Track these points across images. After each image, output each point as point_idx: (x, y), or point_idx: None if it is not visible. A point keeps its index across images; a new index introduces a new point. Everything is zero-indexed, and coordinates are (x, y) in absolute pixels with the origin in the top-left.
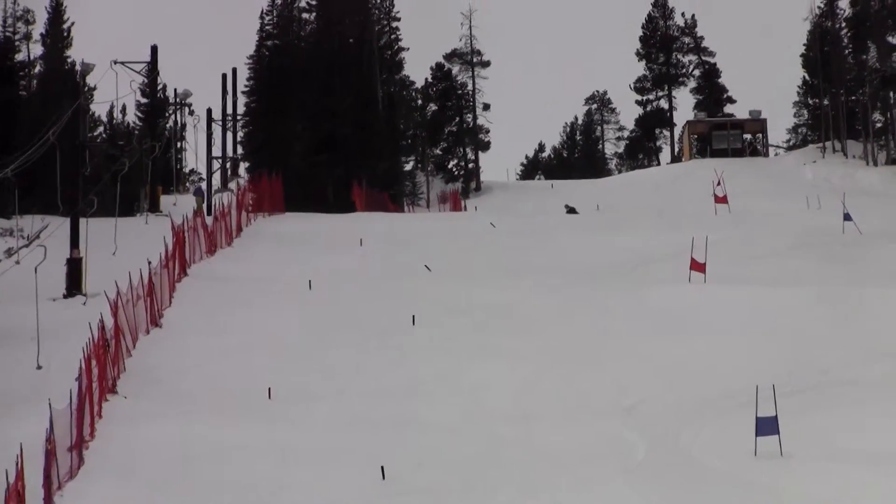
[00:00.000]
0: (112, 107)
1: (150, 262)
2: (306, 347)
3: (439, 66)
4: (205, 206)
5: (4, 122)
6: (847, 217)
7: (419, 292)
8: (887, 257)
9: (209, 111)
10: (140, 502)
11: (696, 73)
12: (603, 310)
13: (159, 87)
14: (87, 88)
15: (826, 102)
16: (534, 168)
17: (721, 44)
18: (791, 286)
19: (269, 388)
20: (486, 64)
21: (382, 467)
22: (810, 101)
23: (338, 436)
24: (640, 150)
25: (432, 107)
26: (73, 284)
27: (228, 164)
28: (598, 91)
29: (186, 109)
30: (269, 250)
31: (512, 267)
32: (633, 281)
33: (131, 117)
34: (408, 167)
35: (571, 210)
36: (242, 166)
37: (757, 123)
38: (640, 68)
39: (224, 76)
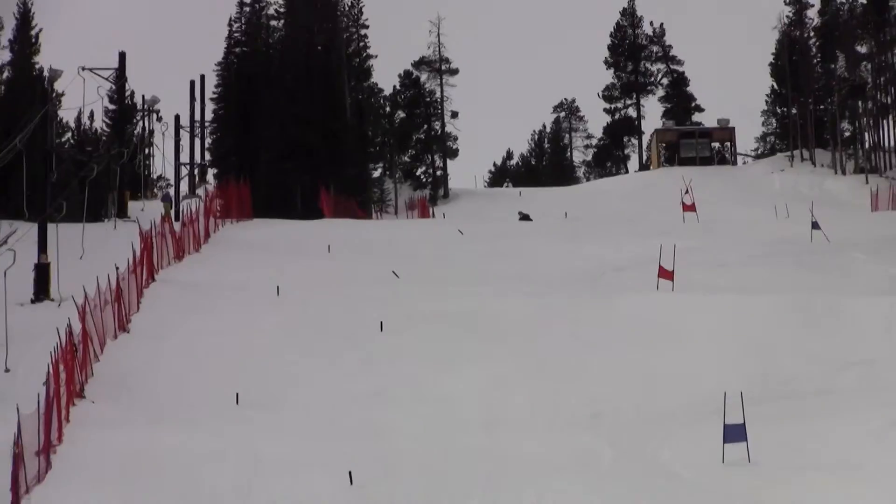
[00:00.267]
0: (80, 113)
1: (117, 268)
2: (274, 354)
3: (407, 74)
4: (172, 211)
5: None
6: (815, 226)
7: (387, 299)
8: (855, 266)
9: (177, 117)
10: None
11: (665, 81)
12: (571, 318)
13: (127, 93)
14: (55, 94)
15: (794, 111)
16: (502, 175)
17: (689, 53)
18: (759, 294)
19: (237, 394)
20: (454, 72)
21: (350, 473)
22: (779, 110)
23: (306, 443)
24: (609, 159)
25: (400, 114)
26: (41, 289)
27: (196, 171)
28: (566, 99)
29: (154, 116)
30: (237, 256)
31: (480, 274)
32: (601, 289)
33: (99, 124)
34: (376, 174)
35: (525, 217)
36: (210, 172)
37: (725, 132)
38: (608, 76)
39: (192, 83)
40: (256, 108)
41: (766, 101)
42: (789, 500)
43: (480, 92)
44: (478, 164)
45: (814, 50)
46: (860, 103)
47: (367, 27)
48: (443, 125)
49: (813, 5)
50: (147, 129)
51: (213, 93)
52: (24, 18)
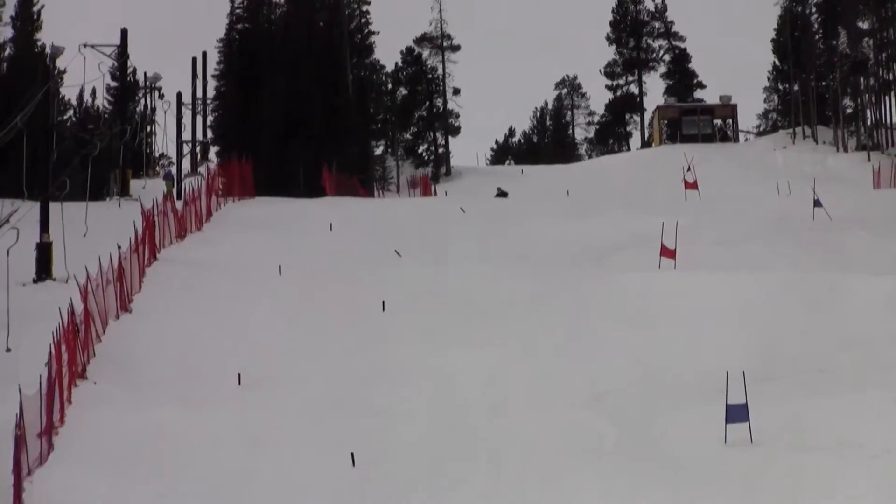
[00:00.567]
0: (82, 90)
1: (119, 247)
2: (276, 332)
3: (409, 51)
4: (175, 190)
5: None
6: (817, 203)
7: (389, 277)
8: (857, 244)
9: (179, 95)
10: (110, 488)
11: (667, 58)
12: (572, 296)
13: (129, 70)
14: (56, 72)
15: (796, 88)
16: (504, 153)
17: (691, 29)
18: (761, 272)
19: (239, 374)
20: (456, 48)
21: (352, 454)
22: (780, 87)
23: (307, 422)
24: (611, 136)
25: (402, 91)
26: (43, 269)
27: (198, 148)
28: (568, 76)
29: (156, 93)
30: (240, 235)
31: (482, 252)
32: (603, 267)
33: (101, 101)
34: (378, 152)
35: (502, 193)
36: (212, 150)
37: (727, 109)
38: (610, 53)
39: (194, 60)
40: (258, 85)
41: (768, 78)
42: (792, 480)
43: (482, 69)
44: (480, 141)
45: (816, 26)
46: (862, 80)
47: (368, 3)
48: (445, 102)
49: None
50: (149, 106)
51: (215, 70)
52: None
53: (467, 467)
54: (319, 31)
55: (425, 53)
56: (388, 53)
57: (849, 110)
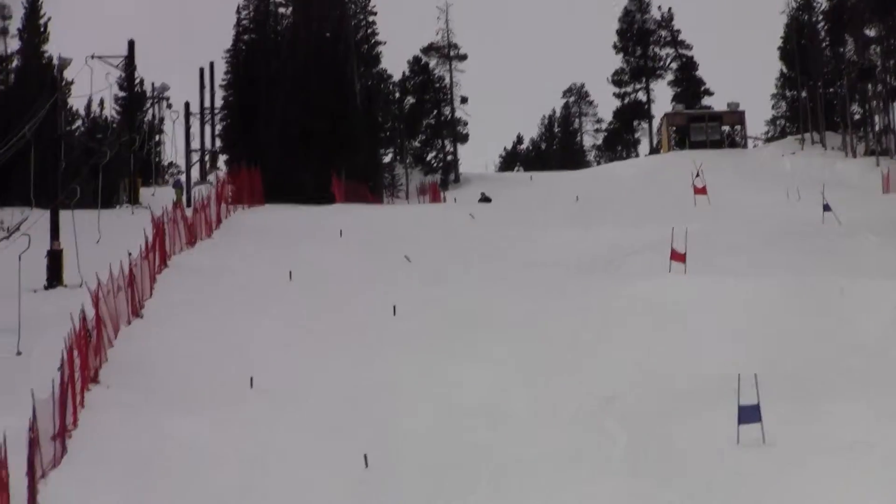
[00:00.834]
0: (90, 101)
1: (130, 254)
2: (286, 338)
3: (416, 60)
4: (184, 198)
5: None
6: (826, 208)
7: (398, 284)
8: (866, 248)
9: (187, 104)
10: (122, 491)
11: (674, 66)
12: (583, 301)
13: (137, 81)
14: (64, 82)
15: (804, 95)
16: (513, 160)
17: (698, 36)
18: (771, 277)
19: (252, 378)
20: (462, 57)
21: (365, 456)
22: (788, 94)
23: (314, 431)
24: (619, 143)
25: (410, 100)
26: (54, 276)
27: (207, 157)
28: (575, 83)
29: (164, 103)
30: (249, 242)
31: (491, 258)
32: (613, 272)
33: (109, 111)
34: (386, 159)
35: (485, 199)
36: (221, 159)
37: (735, 115)
38: (617, 61)
39: (202, 70)
40: (266, 94)
41: (776, 85)
42: (805, 481)
43: (490, 77)
44: (488, 148)
45: (822, 33)
46: (869, 86)
47: (374, 13)
48: (452, 110)
49: None
50: (157, 116)
51: (223, 80)
52: (33, 7)
53: (474, 475)
54: (326, 42)
55: (432, 63)
56: (395, 63)
57: (857, 116)
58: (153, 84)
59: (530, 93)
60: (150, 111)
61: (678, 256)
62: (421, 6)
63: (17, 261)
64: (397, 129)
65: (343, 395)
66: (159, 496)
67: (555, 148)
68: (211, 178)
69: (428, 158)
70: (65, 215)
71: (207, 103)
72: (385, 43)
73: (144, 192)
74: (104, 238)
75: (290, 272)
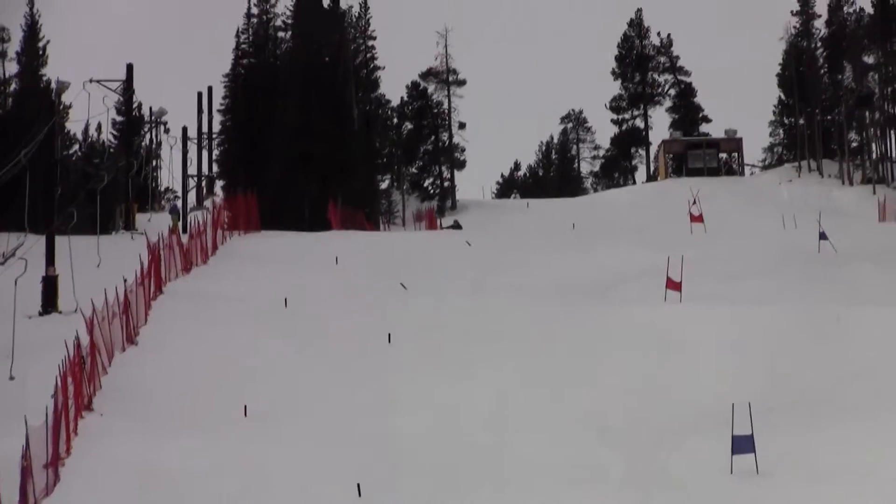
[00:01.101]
0: (87, 125)
1: (125, 280)
2: (282, 365)
3: (415, 85)
4: (180, 224)
5: None
6: (823, 236)
7: (395, 310)
8: (863, 277)
9: (185, 129)
10: None
11: (672, 92)
12: (579, 328)
13: (135, 105)
14: (62, 106)
15: (802, 122)
16: (510, 186)
17: (696, 63)
18: (767, 305)
19: (245, 406)
20: (461, 83)
21: (358, 485)
22: (786, 121)
23: (313, 454)
24: (616, 169)
25: (408, 125)
26: (49, 302)
27: (204, 182)
28: (573, 110)
29: (162, 127)
30: (245, 268)
31: (488, 285)
32: (609, 299)
33: (106, 136)
34: (383, 185)
35: (456, 226)
36: (218, 184)
37: (732, 142)
38: (615, 87)
39: (200, 94)
40: (264, 119)
41: (774, 112)
42: None
43: (488, 103)
44: (485, 175)
45: (821, 60)
46: (867, 114)
47: (374, 38)
48: (450, 136)
49: (820, 16)
50: (155, 140)
51: (221, 104)
52: (32, 30)
53: (473, 498)
54: (325, 66)
55: (431, 88)
56: (393, 88)
57: (854, 144)
58: (151, 108)
59: (528, 119)
60: (148, 136)
61: (674, 285)
62: (420, 31)
63: (12, 286)
64: (395, 155)
65: (341, 416)
66: None
67: (552, 174)
68: (207, 203)
69: (425, 185)
70: (61, 240)
71: (205, 128)
72: (384, 68)
73: (141, 218)
74: (102, 263)
75: (286, 299)
